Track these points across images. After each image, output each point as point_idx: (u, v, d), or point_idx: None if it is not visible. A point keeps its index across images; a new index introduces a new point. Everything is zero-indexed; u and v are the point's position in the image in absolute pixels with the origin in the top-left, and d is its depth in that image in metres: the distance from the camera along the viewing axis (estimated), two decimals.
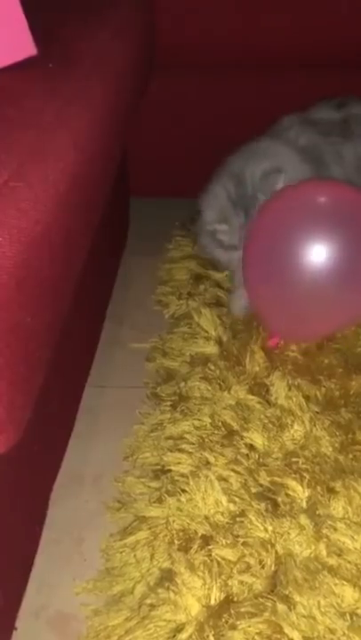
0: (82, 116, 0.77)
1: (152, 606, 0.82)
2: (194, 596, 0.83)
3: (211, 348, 1.19)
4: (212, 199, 1.21)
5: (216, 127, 1.43)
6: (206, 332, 1.22)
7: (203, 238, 1.25)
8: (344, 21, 1.34)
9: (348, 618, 0.79)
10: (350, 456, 1.00)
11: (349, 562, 0.86)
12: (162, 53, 1.36)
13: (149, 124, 1.40)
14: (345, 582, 0.83)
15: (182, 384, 1.12)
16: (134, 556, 0.88)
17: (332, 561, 0.86)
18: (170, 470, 0.98)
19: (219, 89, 1.42)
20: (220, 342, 1.20)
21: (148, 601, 0.83)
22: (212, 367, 1.15)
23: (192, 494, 0.94)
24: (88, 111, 0.80)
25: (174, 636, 0.79)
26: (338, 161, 1.26)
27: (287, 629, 0.79)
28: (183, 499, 0.94)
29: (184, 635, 0.79)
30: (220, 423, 1.05)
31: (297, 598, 0.82)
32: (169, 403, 1.09)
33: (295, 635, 0.78)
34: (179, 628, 0.80)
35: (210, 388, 1.11)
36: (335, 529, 0.89)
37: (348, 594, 0.82)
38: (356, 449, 1.01)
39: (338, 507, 0.93)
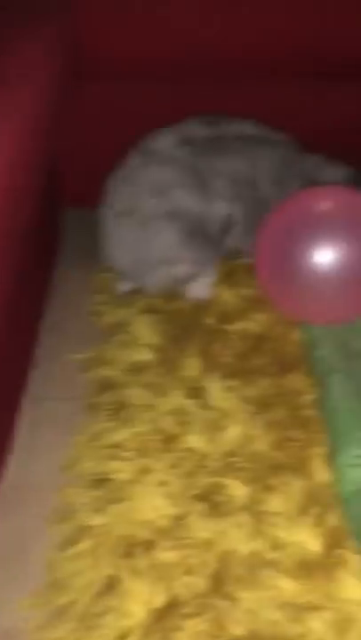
0: (3, 127, 0.78)
1: (97, 615, 0.83)
2: (139, 601, 0.84)
3: (148, 356, 1.20)
4: None
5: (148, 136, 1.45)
6: (143, 339, 1.23)
7: None
8: (266, 34, 1.38)
9: (289, 609, 0.82)
10: (286, 452, 1.03)
11: (288, 555, 0.89)
12: (91, 64, 1.37)
13: (81, 133, 1.41)
14: (285, 575, 0.86)
15: (120, 393, 1.13)
16: (78, 566, 0.88)
17: (272, 555, 0.89)
18: (111, 478, 0.99)
19: (151, 98, 1.44)
20: (156, 349, 1.22)
21: (94, 610, 0.84)
22: (150, 374, 1.16)
23: (133, 501, 0.95)
24: (9, 122, 0.81)
25: None
26: (215, 176, 1.29)
27: (231, 626, 0.81)
28: (125, 505, 0.95)
29: None
30: (158, 429, 1.06)
31: (239, 594, 0.84)
32: (107, 412, 1.10)
33: (239, 630, 0.81)
34: (125, 635, 0.80)
35: (148, 394, 1.12)
36: (274, 524, 0.92)
37: (288, 586, 0.85)
38: (290, 445, 1.04)
39: (275, 502, 0.95)
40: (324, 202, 1.18)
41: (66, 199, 1.51)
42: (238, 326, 1.27)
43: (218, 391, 1.13)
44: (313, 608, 0.82)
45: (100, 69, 1.39)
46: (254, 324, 1.28)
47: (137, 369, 1.18)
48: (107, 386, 1.16)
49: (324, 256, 1.13)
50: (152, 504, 0.95)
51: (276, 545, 0.90)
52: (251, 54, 1.40)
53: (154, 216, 1.24)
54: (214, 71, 1.41)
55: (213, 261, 1.31)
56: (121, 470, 1.00)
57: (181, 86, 1.41)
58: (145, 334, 1.24)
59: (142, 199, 1.25)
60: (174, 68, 1.41)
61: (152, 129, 1.34)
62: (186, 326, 1.26)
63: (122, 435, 1.05)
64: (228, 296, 1.34)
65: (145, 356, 1.20)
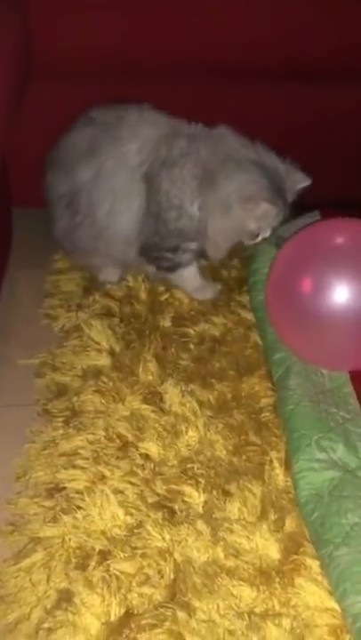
0: None
1: (50, 630, 0.80)
2: (93, 614, 0.81)
3: (103, 360, 1.18)
4: None
5: None
6: (98, 343, 1.20)
7: None
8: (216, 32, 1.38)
9: (247, 617, 0.81)
10: (244, 457, 1.02)
11: (246, 562, 0.87)
12: (41, 63, 1.34)
13: (31, 133, 1.38)
14: (243, 583, 0.85)
15: (75, 398, 1.10)
16: (30, 579, 0.85)
17: (230, 563, 0.87)
18: (64, 488, 0.96)
19: (98, 97, 1.42)
20: (112, 353, 1.19)
21: (46, 625, 0.80)
22: (105, 379, 1.13)
23: (88, 510, 0.92)
24: None
25: None
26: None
27: (188, 636, 0.79)
28: (79, 515, 0.92)
29: None
30: (114, 435, 1.04)
31: (197, 604, 0.82)
32: (61, 418, 1.07)
33: None
34: None
35: (103, 400, 1.10)
36: (231, 531, 0.91)
37: (246, 593, 0.84)
38: (249, 450, 1.03)
39: (233, 509, 0.94)
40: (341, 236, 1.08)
41: (15, 199, 1.48)
42: (196, 329, 1.26)
43: (175, 396, 1.11)
44: (272, 616, 0.81)
45: (50, 69, 1.36)
46: (212, 326, 1.27)
47: (92, 374, 1.15)
48: (61, 392, 1.13)
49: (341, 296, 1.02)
50: (107, 513, 0.92)
51: (234, 552, 0.88)
52: (203, 54, 1.40)
53: (240, 160, 1.21)
54: (168, 70, 1.40)
55: (281, 219, 1.23)
56: (75, 479, 0.97)
57: (131, 86, 1.40)
58: (100, 338, 1.21)
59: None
60: (125, 67, 1.39)
61: None
62: (142, 330, 1.24)
63: (76, 442, 1.02)
64: (185, 298, 1.32)
65: (100, 360, 1.18)
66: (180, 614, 0.81)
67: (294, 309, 1.07)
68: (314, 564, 0.86)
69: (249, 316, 1.29)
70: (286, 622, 0.80)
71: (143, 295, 1.32)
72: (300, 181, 1.24)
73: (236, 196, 1.19)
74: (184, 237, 1.26)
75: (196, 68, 1.42)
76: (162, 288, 1.34)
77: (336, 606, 0.81)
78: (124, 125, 1.26)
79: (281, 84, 1.45)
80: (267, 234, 1.24)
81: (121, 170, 1.25)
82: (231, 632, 0.79)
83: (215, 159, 1.22)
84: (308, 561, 0.87)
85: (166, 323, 1.27)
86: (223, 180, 1.20)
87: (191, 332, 1.25)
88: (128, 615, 0.81)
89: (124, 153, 1.25)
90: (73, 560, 0.87)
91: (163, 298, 1.32)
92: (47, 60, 1.35)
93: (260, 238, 1.24)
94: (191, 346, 1.22)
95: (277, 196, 1.20)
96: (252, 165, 1.21)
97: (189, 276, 1.33)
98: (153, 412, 1.08)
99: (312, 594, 0.83)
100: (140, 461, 1.00)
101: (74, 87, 1.39)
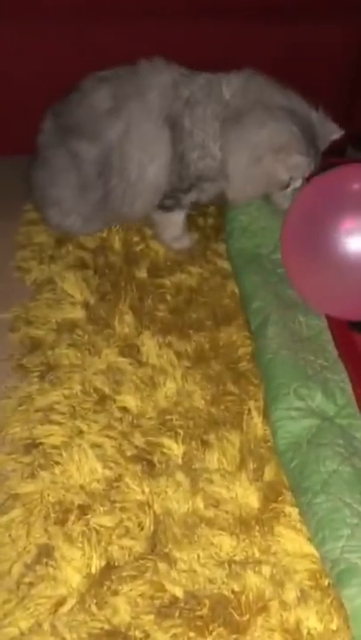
0: None
1: (31, 584, 0.80)
2: (74, 567, 0.81)
3: (77, 313, 1.15)
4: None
5: (49, 80, 1.36)
6: (72, 296, 1.18)
7: None
8: None
9: (227, 566, 0.81)
10: (222, 407, 1.01)
11: (226, 512, 0.87)
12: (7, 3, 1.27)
13: None
14: (222, 532, 0.85)
15: (49, 353, 1.08)
16: (9, 535, 0.85)
17: (210, 513, 0.87)
18: (41, 443, 0.95)
19: (47, 42, 1.36)
20: (86, 306, 1.17)
21: (27, 579, 0.80)
22: (80, 332, 1.11)
23: (66, 465, 0.91)
24: None
25: (56, 610, 0.77)
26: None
27: (169, 586, 0.79)
28: (57, 471, 0.91)
29: (65, 608, 0.77)
30: (91, 389, 1.02)
31: (177, 554, 0.83)
32: (37, 373, 1.05)
33: (177, 590, 0.79)
34: (60, 603, 0.78)
35: (79, 354, 1.08)
36: (211, 481, 0.91)
37: (226, 543, 0.84)
38: (227, 399, 1.02)
39: (212, 459, 0.94)
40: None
41: None
42: (172, 280, 1.23)
43: (152, 348, 1.09)
44: (252, 563, 0.82)
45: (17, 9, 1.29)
46: (188, 277, 1.24)
47: (67, 327, 1.12)
48: (35, 346, 1.10)
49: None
50: (86, 468, 0.91)
51: (214, 502, 0.88)
52: None
53: (272, 106, 1.17)
54: (139, 10, 1.33)
55: (312, 169, 1.20)
56: (52, 434, 0.96)
57: (102, 27, 1.34)
58: (74, 291, 1.18)
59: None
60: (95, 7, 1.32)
61: (84, 71, 1.27)
62: (117, 281, 1.21)
63: (52, 397, 1.01)
64: (160, 248, 1.29)
65: (75, 313, 1.15)
66: (161, 565, 0.81)
67: (319, 256, 1.04)
68: (293, 512, 0.87)
69: (225, 264, 1.27)
70: (266, 569, 0.81)
71: (117, 246, 1.29)
72: (332, 132, 1.21)
73: (267, 144, 1.16)
74: (204, 178, 1.23)
75: (167, 7, 1.35)
76: (136, 238, 1.30)
77: (315, 552, 0.82)
78: (140, 77, 1.21)
79: (256, 22, 1.39)
80: (298, 184, 1.21)
81: (146, 119, 1.20)
82: (212, 581, 0.80)
83: (243, 102, 1.19)
84: (288, 509, 0.87)
85: (142, 274, 1.24)
86: (252, 126, 1.17)
87: (167, 282, 1.23)
88: (109, 567, 0.81)
89: (147, 102, 1.20)
90: (52, 515, 0.86)
91: (138, 248, 1.29)
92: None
93: (290, 189, 1.21)
94: (168, 297, 1.20)
95: (310, 145, 1.17)
96: (285, 113, 1.17)
97: (176, 222, 1.30)
98: (130, 364, 1.07)
99: (291, 541, 0.84)
100: (117, 415, 0.99)
101: (43, 28, 1.32)
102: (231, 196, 1.25)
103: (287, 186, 1.21)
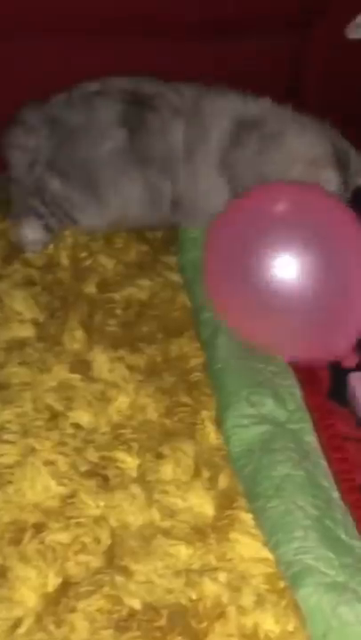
0: None
1: None
2: (29, 587, 0.80)
3: (27, 331, 1.15)
4: None
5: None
6: (20, 314, 1.17)
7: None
8: None
9: (184, 575, 0.81)
10: (175, 418, 1.02)
11: (182, 521, 0.88)
12: None
13: None
14: (179, 542, 0.85)
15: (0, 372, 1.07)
16: None
17: (166, 524, 0.88)
18: None
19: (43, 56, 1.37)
20: (36, 324, 1.16)
21: None
22: (30, 350, 1.11)
23: (19, 484, 0.90)
24: None
25: (13, 632, 0.76)
26: None
27: (126, 599, 0.79)
28: (10, 490, 0.90)
29: (22, 629, 0.76)
30: (42, 407, 1.02)
31: (134, 567, 0.83)
32: None
33: (135, 602, 0.79)
34: (16, 624, 0.77)
35: (29, 372, 1.07)
36: (166, 492, 0.91)
37: (183, 552, 0.84)
38: (180, 411, 1.03)
39: (167, 470, 0.94)
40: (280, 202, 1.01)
41: None
42: (121, 294, 1.24)
43: (103, 363, 1.09)
44: (208, 571, 0.82)
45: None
46: (138, 290, 1.25)
47: (16, 346, 1.12)
48: None
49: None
50: (39, 486, 0.91)
51: (170, 513, 0.89)
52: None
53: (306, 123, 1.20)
54: (87, 28, 1.35)
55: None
56: (4, 453, 0.95)
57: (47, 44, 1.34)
58: (23, 309, 1.17)
59: None
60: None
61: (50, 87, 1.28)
62: (66, 297, 1.21)
63: (3, 416, 1.00)
64: (109, 263, 1.30)
65: (24, 331, 1.14)
66: (118, 578, 0.81)
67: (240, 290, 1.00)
68: (248, 518, 0.88)
69: (175, 277, 1.28)
70: (223, 576, 0.81)
71: (65, 262, 1.29)
72: None
73: (302, 154, 1.16)
74: None
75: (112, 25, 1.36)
76: (84, 254, 1.31)
77: (270, 556, 0.83)
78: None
79: (186, 40, 1.42)
80: None
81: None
82: (169, 590, 0.80)
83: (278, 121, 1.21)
84: (242, 515, 0.88)
85: (91, 289, 1.24)
86: (290, 137, 1.19)
87: (117, 296, 1.23)
88: (66, 585, 0.81)
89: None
90: (6, 535, 0.85)
91: (86, 264, 1.29)
92: None
93: None
94: (118, 311, 1.20)
95: (343, 170, 1.17)
96: (322, 129, 1.20)
97: None
98: (81, 380, 1.06)
99: (247, 546, 0.85)
100: (70, 431, 0.98)
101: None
102: None
103: None
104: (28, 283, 1.24)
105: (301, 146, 1.19)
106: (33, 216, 1.28)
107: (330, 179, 1.16)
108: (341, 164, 1.18)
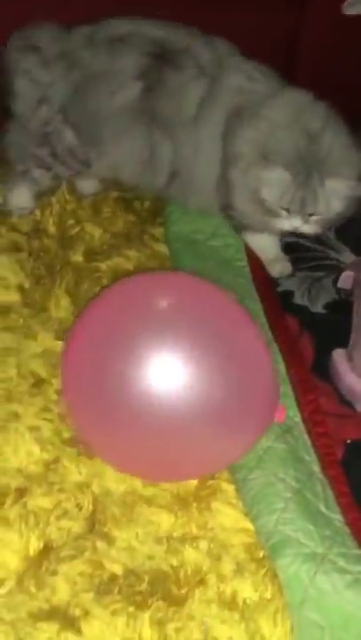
0: None
1: None
2: (11, 550, 0.80)
3: (12, 297, 1.13)
4: None
5: None
6: (5, 279, 1.15)
7: None
8: None
9: (165, 543, 0.83)
10: None
11: (164, 490, 0.89)
12: None
13: None
14: (161, 510, 0.86)
15: None
16: None
17: (148, 492, 0.88)
18: None
19: None
20: (21, 290, 1.15)
21: None
22: (15, 316, 1.10)
23: (2, 448, 0.90)
24: None
25: None
26: None
27: (108, 564, 0.80)
28: None
29: (3, 590, 0.77)
30: (27, 373, 1.01)
31: (116, 533, 0.83)
32: None
33: (116, 568, 0.80)
34: None
35: (14, 337, 1.06)
36: None
37: (165, 520, 0.85)
38: None
39: None
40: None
41: None
42: (108, 264, 1.23)
43: None
44: (189, 539, 0.83)
45: None
46: (125, 260, 1.24)
47: (1, 311, 1.10)
48: None
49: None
50: (22, 451, 0.90)
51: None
52: None
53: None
54: None
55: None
56: None
57: None
58: (7, 274, 1.16)
59: None
60: None
61: None
62: (52, 265, 1.20)
63: None
64: (96, 232, 1.28)
65: (9, 297, 1.13)
66: (100, 544, 0.82)
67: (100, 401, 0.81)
68: (229, 489, 0.89)
69: (162, 248, 1.28)
70: (204, 544, 0.83)
71: (52, 229, 1.27)
72: None
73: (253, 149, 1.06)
74: None
75: None
76: (71, 221, 1.29)
77: (250, 526, 0.84)
78: None
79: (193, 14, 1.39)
80: (295, 222, 1.07)
81: None
82: (150, 557, 0.81)
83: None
84: (224, 485, 0.89)
85: (78, 257, 1.23)
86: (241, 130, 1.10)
87: (104, 266, 1.22)
88: (47, 549, 0.81)
89: None
90: None
91: (73, 232, 1.28)
92: None
93: (286, 224, 1.08)
94: (104, 280, 1.19)
95: (311, 174, 1.03)
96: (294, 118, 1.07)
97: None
98: None
99: (228, 516, 0.86)
100: (54, 397, 0.98)
101: None
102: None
103: (276, 213, 1.09)
104: (14, 248, 1.22)
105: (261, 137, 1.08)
106: (32, 173, 1.24)
107: (282, 179, 1.05)
108: (312, 166, 1.05)
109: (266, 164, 1.06)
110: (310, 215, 1.09)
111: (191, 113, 1.19)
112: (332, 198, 1.07)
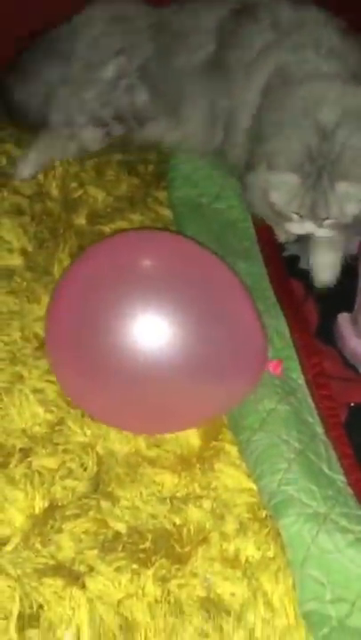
0: None
1: None
2: (17, 508, 0.81)
3: (15, 260, 1.13)
4: None
5: None
6: (9, 243, 1.15)
7: None
8: None
9: (169, 502, 0.83)
10: None
11: (168, 450, 0.89)
12: None
13: None
14: (164, 470, 0.87)
15: None
16: None
17: (152, 453, 0.89)
18: None
19: None
20: (24, 253, 1.14)
21: None
22: (19, 279, 1.09)
23: (7, 410, 0.91)
24: None
25: (0, 550, 0.78)
26: None
27: (112, 523, 0.81)
28: None
29: (9, 547, 0.78)
30: (31, 336, 1.01)
31: (120, 493, 0.84)
32: None
33: (120, 526, 0.81)
34: (3, 542, 0.78)
35: (17, 301, 1.06)
36: None
37: (168, 480, 0.86)
38: None
39: None
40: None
41: None
42: (112, 227, 1.22)
43: None
44: (193, 499, 0.84)
45: None
46: (129, 224, 1.23)
47: (4, 274, 1.10)
48: None
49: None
50: (27, 412, 0.91)
51: (156, 442, 0.90)
52: None
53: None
54: None
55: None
56: None
57: None
58: (11, 237, 1.15)
59: None
60: None
61: None
62: (55, 228, 1.19)
63: None
64: (99, 195, 1.27)
65: (12, 260, 1.13)
66: (104, 503, 0.82)
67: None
68: (233, 450, 0.89)
69: (166, 212, 1.27)
70: (207, 503, 0.83)
71: (55, 192, 1.26)
72: None
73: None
74: None
75: None
76: (74, 184, 1.28)
77: (253, 486, 0.85)
78: None
79: None
80: (308, 226, 0.99)
81: None
82: (154, 516, 0.82)
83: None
84: (227, 447, 0.90)
85: (81, 220, 1.22)
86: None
87: (107, 229, 1.21)
88: (52, 507, 0.82)
89: None
90: None
91: (76, 195, 1.27)
92: None
93: (298, 228, 1.01)
94: None
95: (321, 176, 0.95)
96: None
97: None
98: None
99: (231, 476, 0.87)
100: None
101: None
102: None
103: (286, 217, 1.02)
104: (17, 211, 1.21)
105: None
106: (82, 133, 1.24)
107: (291, 184, 0.98)
108: (323, 170, 0.97)
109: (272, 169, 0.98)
110: (324, 219, 1.01)
111: (251, 57, 1.13)
112: (346, 201, 0.97)
